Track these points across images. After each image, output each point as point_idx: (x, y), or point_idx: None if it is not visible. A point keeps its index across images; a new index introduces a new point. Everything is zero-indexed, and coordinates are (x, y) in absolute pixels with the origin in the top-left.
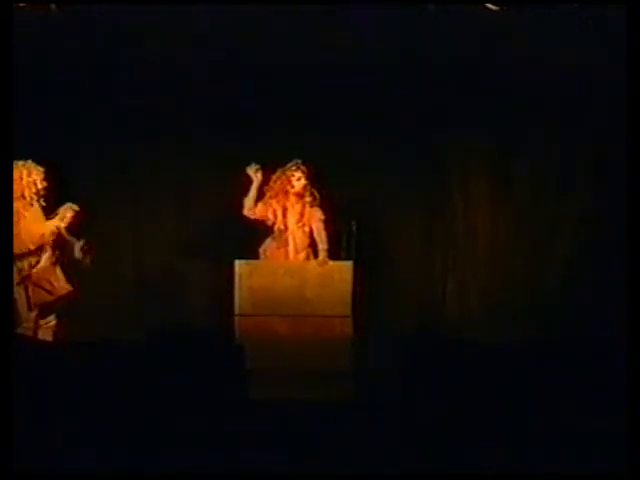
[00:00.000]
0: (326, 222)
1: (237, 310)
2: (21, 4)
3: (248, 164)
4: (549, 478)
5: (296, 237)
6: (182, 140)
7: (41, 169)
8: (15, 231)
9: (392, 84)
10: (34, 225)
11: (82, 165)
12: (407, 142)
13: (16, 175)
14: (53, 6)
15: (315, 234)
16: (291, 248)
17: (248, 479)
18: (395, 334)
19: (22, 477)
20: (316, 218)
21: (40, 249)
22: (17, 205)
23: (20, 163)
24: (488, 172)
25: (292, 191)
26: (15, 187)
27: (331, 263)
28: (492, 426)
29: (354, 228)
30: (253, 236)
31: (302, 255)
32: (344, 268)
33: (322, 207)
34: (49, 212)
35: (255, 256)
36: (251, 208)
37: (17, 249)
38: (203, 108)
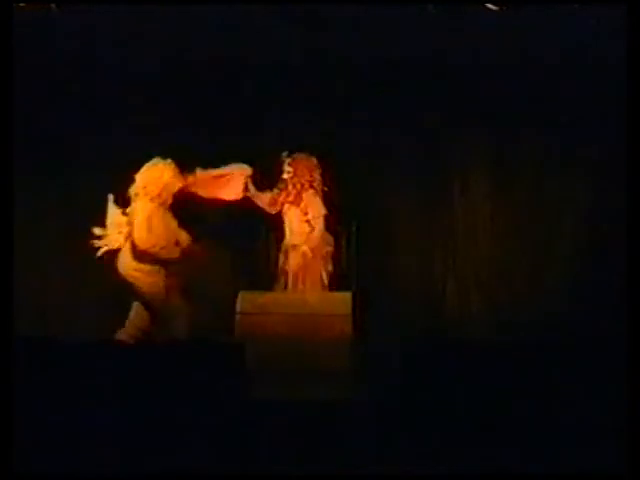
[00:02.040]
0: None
1: (238, 309)
2: (21, 4)
3: (248, 163)
4: (549, 478)
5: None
6: (183, 138)
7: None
8: (145, 231)
9: (392, 84)
10: (165, 231)
11: (82, 165)
12: (407, 142)
13: (156, 173)
14: (53, 6)
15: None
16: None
17: (248, 479)
18: (395, 334)
19: (22, 477)
20: (314, 207)
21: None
22: (151, 206)
23: (167, 161)
24: (488, 172)
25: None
26: (152, 186)
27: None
28: (492, 426)
29: (354, 228)
30: (253, 235)
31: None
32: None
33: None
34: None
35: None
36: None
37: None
38: (204, 106)
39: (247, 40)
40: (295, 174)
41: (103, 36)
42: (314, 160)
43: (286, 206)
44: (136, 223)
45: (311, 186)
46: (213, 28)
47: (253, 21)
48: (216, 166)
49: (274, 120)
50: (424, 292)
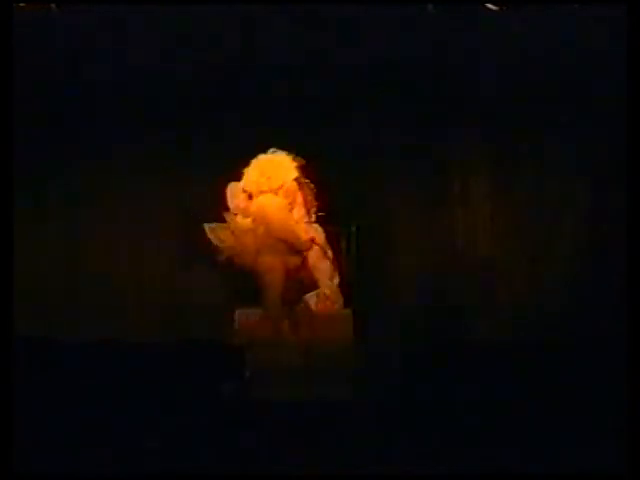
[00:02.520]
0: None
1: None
2: (21, 4)
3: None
4: (549, 478)
5: None
6: (182, 141)
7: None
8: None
9: (392, 84)
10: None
11: (82, 165)
12: (407, 142)
13: (277, 165)
14: (53, 6)
15: None
16: None
17: (248, 479)
18: (395, 334)
19: (22, 477)
20: None
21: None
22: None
23: (282, 152)
24: (488, 172)
25: None
26: (275, 178)
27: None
28: (492, 426)
29: (354, 229)
30: None
31: None
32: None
33: None
34: None
35: None
36: None
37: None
38: (204, 106)
39: (247, 40)
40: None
41: (103, 36)
42: (292, 157)
43: None
44: (271, 214)
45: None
46: (213, 28)
47: (253, 21)
48: (216, 165)
49: (273, 120)
50: (424, 292)
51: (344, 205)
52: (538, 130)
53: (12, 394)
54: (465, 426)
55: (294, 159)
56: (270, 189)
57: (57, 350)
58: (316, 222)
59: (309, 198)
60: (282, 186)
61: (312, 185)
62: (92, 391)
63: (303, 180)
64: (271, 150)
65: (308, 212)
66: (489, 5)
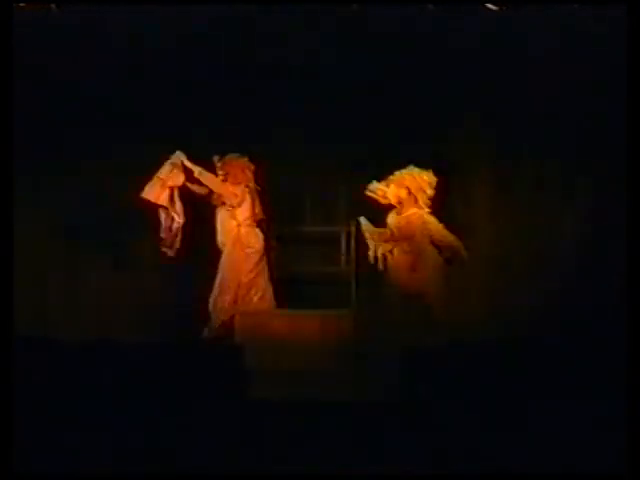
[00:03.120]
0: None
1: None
2: (21, 4)
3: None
4: (549, 478)
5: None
6: (181, 140)
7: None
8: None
9: (392, 84)
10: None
11: (81, 165)
12: (407, 142)
13: (414, 180)
14: (53, 6)
15: None
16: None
17: (248, 479)
18: (395, 334)
19: (22, 477)
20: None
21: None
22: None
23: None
24: (488, 172)
25: None
26: (416, 192)
27: None
28: (492, 426)
29: (353, 229)
30: None
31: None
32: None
33: None
34: None
35: None
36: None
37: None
38: (204, 106)
39: (247, 40)
40: (227, 176)
41: (103, 36)
42: (245, 160)
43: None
44: (433, 225)
45: (246, 186)
46: (213, 28)
47: (253, 21)
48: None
49: (271, 120)
50: (424, 292)
51: (343, 205)
52: (538, 130)
53: (12, 394)
54: (465, 426)
55: (426, 174)
56: (409, 203)
57: (57, 350)
58: (258, 226)
59: (256, 202)
60: (420, 199)
61: (259, 188)
62: (92, 391)
63: (253, 185)
64: (410, 167)
65: (252, 216)
66: (489, 5)
